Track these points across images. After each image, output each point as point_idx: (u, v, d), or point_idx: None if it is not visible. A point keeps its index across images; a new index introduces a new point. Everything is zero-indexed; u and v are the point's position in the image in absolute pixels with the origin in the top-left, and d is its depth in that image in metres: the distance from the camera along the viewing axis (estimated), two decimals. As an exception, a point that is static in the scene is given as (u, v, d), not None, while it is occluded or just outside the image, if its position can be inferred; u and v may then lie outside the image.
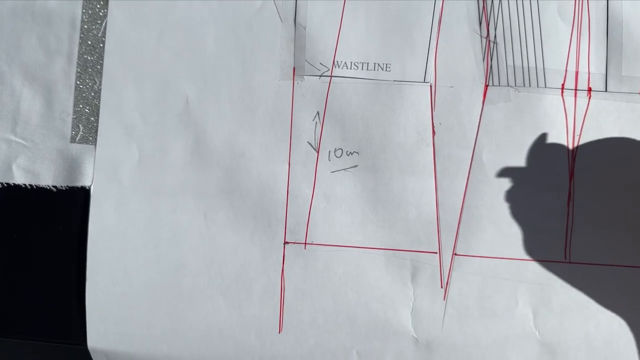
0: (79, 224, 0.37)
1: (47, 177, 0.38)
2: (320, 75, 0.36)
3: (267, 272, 0.36)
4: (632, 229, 0.34)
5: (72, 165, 0.38)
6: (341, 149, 0.36)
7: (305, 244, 0.36)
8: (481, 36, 0.35)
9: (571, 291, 0.34)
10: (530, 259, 0.34)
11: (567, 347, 0.34)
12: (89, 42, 0.38)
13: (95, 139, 0.37)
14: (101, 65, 0.37)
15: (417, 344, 0.35)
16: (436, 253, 0.35)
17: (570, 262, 0.34)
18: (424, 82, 0.35)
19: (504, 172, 0.35)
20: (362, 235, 0.35)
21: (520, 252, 0.34)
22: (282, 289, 0.36)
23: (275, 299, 0.36)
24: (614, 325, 0.34)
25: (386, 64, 0.36)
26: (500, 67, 0.35)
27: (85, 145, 0.38)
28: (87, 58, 0.38)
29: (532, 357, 0.34)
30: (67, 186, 0.38)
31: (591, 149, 0.35)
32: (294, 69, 0.36)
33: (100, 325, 0.36)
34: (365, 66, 0.36)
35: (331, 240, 0.36)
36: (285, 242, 0.36)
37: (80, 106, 0.38)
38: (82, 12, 0.38)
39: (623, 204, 0.34)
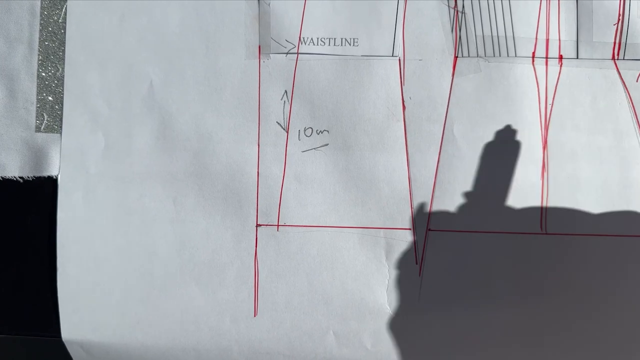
0: (48, 214, 0.36)
1: (13, 167, 0.37)
2: (287, 53, 0.35)
3: (240, 255, 0.35)
4: (605, 198, 0.34)
5: (38, 155, 0.37)
6: (311, 127, 0.35)
7: (278, 225, 0.35)
8: (449, 7, 0.34)
9: (548, 263, 0.34)
10: (506, 231, 0.34)
11: (547, 320, 0.34)
12: (50, 29, 0.37)
13: (61, 127, 0.36)
14: (63, 51, 0.37)
15: (394, 322, 0.34)
16: (410, 229, 0.34)
17: (546, 234, 0.34)
18: (392, 56, 0.35)
19: (476, 145, 0.34)
20: (335, 215, 0.35)
21: (495, 225, 0.34)
22: (256, 272, 0.35)
23: (249, 282, 0.35)
24: (592, 295, 0.34)
25: (353, 39, 0.35)
26: (469, 37, 0.34)
27: (50, 134, 0.37)
28: (48, 45, 0.37)
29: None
30: (34, 176, 0.37)
31: (564, 118, 0.34)
32: (259, 47, 0.35)
33: (74, 316, 0.36)
34: (332, 42, 0.35)
35: (304, 221, 0.35)
36: (258, 225, 0.35)
37: (44, 94, 0.37)
38: (41, -3, 0.37)
39: (597, 173, 0.34)
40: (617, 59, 0.34)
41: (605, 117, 0.34)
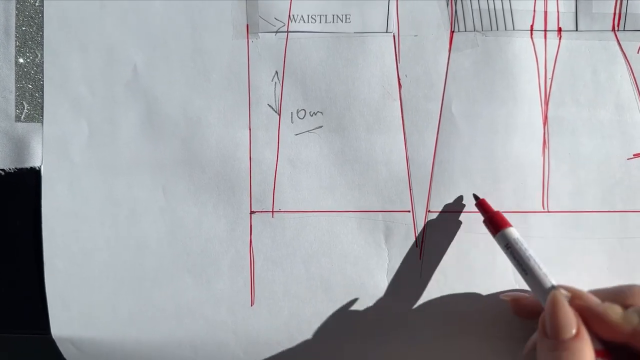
0: (32, 206, 0.35)
1: (-7, 160, 0.35)
2: (276, 32, 0.34)
3: (235, 244, 0.34)
4: (607, 174, 0.33)
5: (20, 146, 0.35)
6: (304, 109, 0.34)
7: (273, 212, 0.34)
8: (444, -21, 0.33)
9: (550, 241, 0.33)
10: (507, 210, 0.33)
11: (548, 299, 0.33)
12: (26, 13, 0.35)
13: (42, 116, 0.35)
14: (41, 36, 0.35)
15: (394, 306, 0.33)
16: (409, 212, 0.33)
17: (548, 212, 0.33)
18: (386, 32, 0.33)
19: (475, 123, 0.33)
20: (331, 199, 0.34)
21: (496, 205, 0.33)
22: (252, 261, 0.34)
23: (244, 271, 0.34)
24: (595, 272, 0.33)
25: (345, 15, 0.33)
26: (465, 11, 0.33)
27: (31, 124, 0.35)
28: (25, 30, 0.35)
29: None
30: (16, 168, 0.35)
31: (564, 92, 0.33)
32: (247, 26, 0.34)
33: (63, 312, 0.35)
34: (323, 19, 0.33)
35: (299, 206, 0.34)
36: (252, 212, 0.34)
37: (23, 82, 0.35)
38: (15, -20, 0.35)
39: (599, 148, 0.33)
40: (617, 30, 0.33)
41: (606, 91, 0.33)
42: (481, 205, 0.32)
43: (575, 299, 0.27)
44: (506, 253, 0.30)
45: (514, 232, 0.30)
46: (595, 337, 0.26)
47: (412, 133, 0.33)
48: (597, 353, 0.26)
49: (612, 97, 0.33)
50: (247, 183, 0.34)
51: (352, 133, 0.34)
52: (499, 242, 0.30)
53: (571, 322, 0.26)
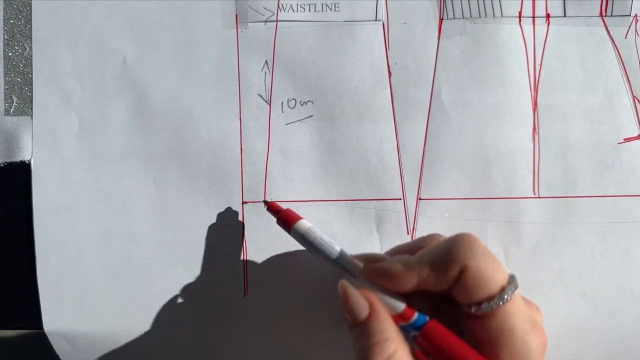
0: (23, 200, 0.35)
1: (-17, 154, 0.35)
2: (266, 21, 0.34)
3: (227, 235, 0.34)
4: (597, 159, 0.33)
5: (9, 140, 0.35)
6: (294, 99, 0.34)
7: (265, 202, 0.34)
8: (432, -33, 0.33)
9: (541, 227, 0.33)
10: (497, 197, 0.33)
11: (541, 284, 0.33)
12: (14, 6, 0.35)
13: (32, 109, 0.35)
14: (30, 29, 0.35)
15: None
16: (400, 199, 0.33)
17: (539, 197, 0.33)
18: (375, 20, 0.33)
19: (465, 110, 0.33)
20: (323, 189, 0.34)
21: (487, 191, 0.33)
22: (244, 251, 0.34)
23: (237, 262, 0.34)
24: (587, 257, 0.33)
25: (334, 4, 0.33)
26: (454, -2, 0.33)
27: (21, 117, 0.35)
28: (13, 23, 0.35)
29: (506, 298, 0.33)
30: (5, 162, 0.35)
31: (553, 78, 0.33)
32: (236, 15, 0.34)
33: (56, 306, 0.34)
34: (312, 7, 0.33)
35: (291, 196, 0.34)
36: (244, 202, 0.34)
37: (12, 75, 0.35)
38: (2, -27, 0.35)
39: (589, 133, 0.33)
40: (605, 16, 0.33)
41: (595, 76, 0.33)
42: (271, 207, 0.31)
43: (367, 263, 0.26)
44: (304, 246, 0.29)
45: (305, 223, 0.30)
46: (400, 295, 0.25)
47: (402, 121, 0.33)
48: (401, 316, 0.25)
49: (601, 82, 0.33)
50: (239, 173, 0.34)
51: (342, 122, 0.34)
52: (295, 237, 0.30)
53: (361, 305, 0.25)
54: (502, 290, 0.23)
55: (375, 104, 0.33)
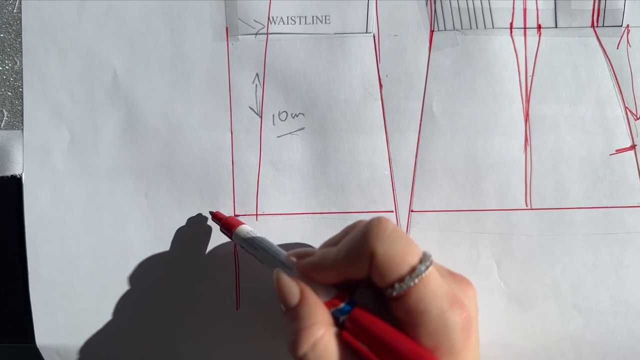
0: (14, 214, 0.35)
1: (-26, 168, 0.35)
2: (256, 34, 0.33)
3: (219, 248, 0.34)
4: (589, 170, 0.33)
5: (0, 154, 0.35)
6: (285, 111, 0.34)
7: (257, 215, 0.34)
8: (422, -21, 0.33)
9: (534, 239, 0.33)
10: (490, 209, 0.33)
11: (534, 296, 0.33)
12: (4, 20, 0.35)
13: (22, 123, 0.35)
14: (20, 43, 0.35)
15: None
16: (392, 212, 0.33)
17: (531, 209, 0.33)
18: (366, 32, 0.33)
19: (456, 121, 0.33)
20: (315, 201, 0.34)
21: (479, 203, 0.33)
22: (237, 264, 0.34)
23: (230, 275, 0.34)
24: (580, 268, 0.33)
25: (325, 16, 0.33)
26: (444, 10, 0.33)
27: (12, 131, 0.35)
28: (3, 37, 0.35)
29: (499, 310, 0.33)
30: (-3, 177, 0.35)
31: (545, 89, 0.33)
32: (226, 28, 0.33)
33: (48, 320, 0.34)
34: (303, 20, 0.33)
35: (283, 208, 0.34)
36: (235, 215, 0.34)
37: (2, 89, 0.35)
38: (-8, -14, 0.35)
39: (581, 144, 0.33)
40: (597, 27, 0.33)
41: (587, 87, 0.33)
42: (216, 216, 0.32)
43: (299, 258, 0.27)
44: (247, 250, 0.31)
45: (245, 227, 0.31)
46: (331, 286, 0.26)
47: (393, 133, 0.33)
48: (332, 302, 0.25)
49: (593, 93, 0.33)
50: (230, 186, 0.34)
51: (334, 134, 0.34)
52: (236, 242, 0.31)
53: (293, 291, 0.26)
54: (413, 270, 0.23)
55: (367, 116, 0.33)
